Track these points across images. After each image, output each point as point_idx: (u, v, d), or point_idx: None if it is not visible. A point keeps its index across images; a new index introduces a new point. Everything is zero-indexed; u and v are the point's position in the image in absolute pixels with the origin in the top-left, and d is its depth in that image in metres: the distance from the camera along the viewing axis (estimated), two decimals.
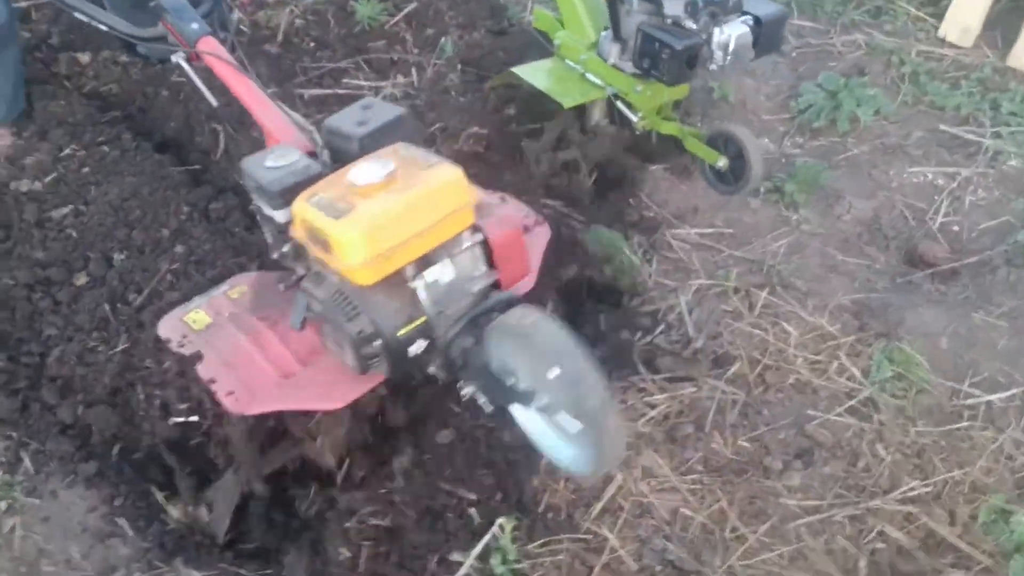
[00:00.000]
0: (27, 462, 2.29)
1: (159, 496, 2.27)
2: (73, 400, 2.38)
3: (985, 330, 2.80)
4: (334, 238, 1.88)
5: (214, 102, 2.48)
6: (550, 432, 2.11)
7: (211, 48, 2.44)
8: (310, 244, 2.00)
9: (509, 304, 2.05)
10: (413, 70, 3.64)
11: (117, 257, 2.71)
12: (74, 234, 2.77)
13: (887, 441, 2.48)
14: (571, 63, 3.18)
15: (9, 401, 2.39)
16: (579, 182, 3.16)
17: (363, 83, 3.56)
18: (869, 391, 2.59)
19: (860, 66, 3.81)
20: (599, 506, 2.28)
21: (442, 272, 2.05)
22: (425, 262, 2.01)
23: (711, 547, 2.23)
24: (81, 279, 2.66)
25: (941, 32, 3.95)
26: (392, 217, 1.90)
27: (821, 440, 2.48)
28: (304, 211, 1.95)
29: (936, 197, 3.26)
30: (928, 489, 2.36)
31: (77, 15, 2.55)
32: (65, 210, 2.84)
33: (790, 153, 3.46)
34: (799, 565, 2.21)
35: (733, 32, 2.76)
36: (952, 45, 3.91)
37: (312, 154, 2.18)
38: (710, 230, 3.13)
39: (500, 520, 2.13)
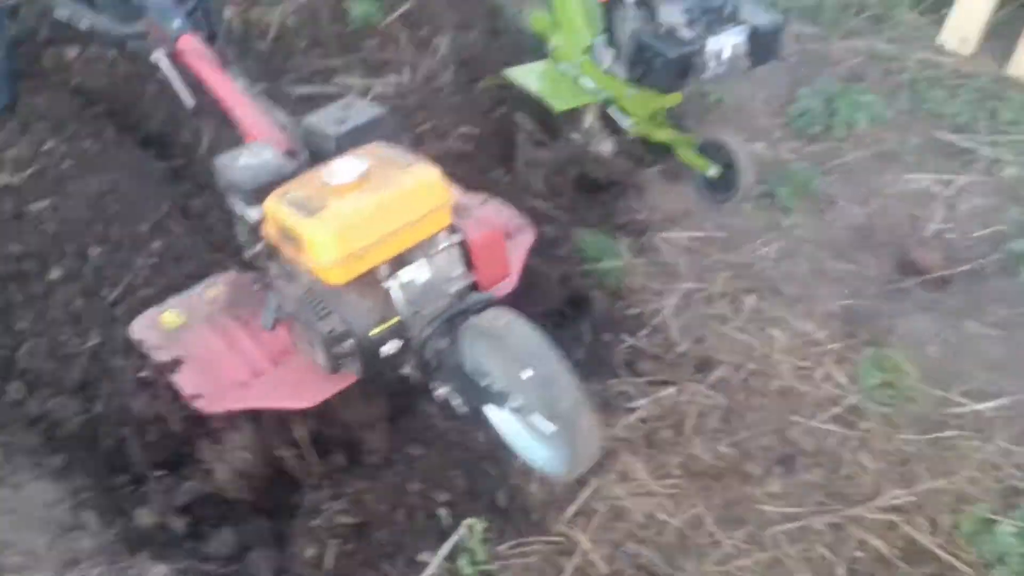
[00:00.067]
0: None
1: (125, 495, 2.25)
2: (42, 394, 2.36)
3: (976, 339, 2.75)
4: (306, 236, 1.87)
5: (190, 101, 2.48)
6: (524, 433, 2.11)
7: (191, 46, 2.44)
8: (282, 243, 1.99)
9: (486, 305, 2.04)
10: (405, 69, 3.62)
11: (93, 251, 2.69)
12: (51, 228, 2.75)
13: (871, 449, 2.43)
14: (565, 67, 3.16)
15: None
16: (565, 183, 3.14)
17: (354, 82, 3.55)
18: (855, 398, 2.54)
19: (859, 72, 3.77)
20: (572, 509, 2.24)
21: (417, 272, 2.04)
22: (400, 262, 2.00)
23: (685, 552, 2.19)
24: (56, 273, 2.65)
25: (941, 40, 3.91)
26: (364, 216, 1.89)
27: (804, 447, 2.44)
28: (276, 209, 1.94)
29: (930, 204, 3.22)
30: (911, 498, 2.31)
31: (57, 14, 2.55)
32: (43, 204, 2.83)
33: (785, 159, 3.42)
34: (775, 572, 2.17)
35: (728, 41, 2.73)
36: (952, 53, 3.86)
37: (291, 152, 2.17)
38: (700, 234, 3.10)
39: (469, 521, 2.09)
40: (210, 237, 2.75)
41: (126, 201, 2.80)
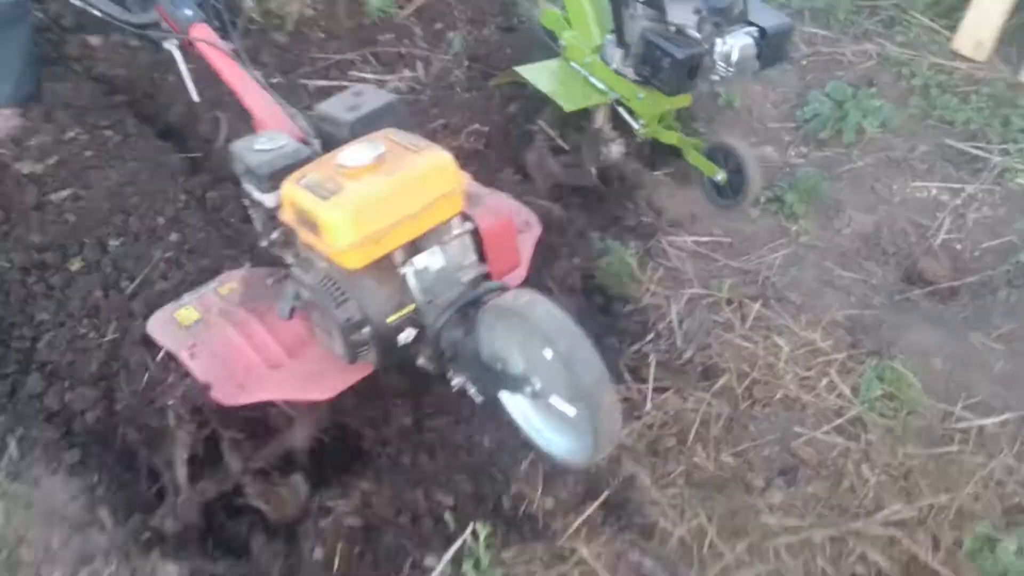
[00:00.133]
0: (12, 448, 2.30)
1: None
2: (60, 387, 2.38)
3: (982, 352, 2.76)
4: (322, 219, 1.87)
5: (195, 96, 2.47)
6: (544, 423, 2.06)
7: (203, 35, 2.43)
8: (299, 227, 1.99)
9: (499, 294, 2.03)
10: (419, 64, 3.62)
11: (112, 243, 2.71)
12: (72, 218, 2.77)
13: (873, 462, 2.45)
14: (576, 65, 3.15)
15: None
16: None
17: (369, 76, 3.55)
18: (858, 410, 2.56)
19: (870, 77, 3.77)
20: (576, 517, 2.27)
21: (431, 259, 2.04)
22: (414, 248, 2.01)
23: (687, 562, 2.21)
24: (76, 264, 2.66)
25: (954, 45, 3.90)
26: (380, 198, 1.89)
27: (806, 458, 2.46)
28: (293, 192, 1.94)
29: (939, 213, 3.22)
30: (913, 513, 2.33)
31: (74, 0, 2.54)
32: (64, 193, 2.83)
33: (793, 163, 3.43)
34: None
35: (736, 43, 2.71)
36: (965, 58, 3.85)
37: (303, 141, 2.17)
38: (707, 239, 3.11)
39: (474, 525, 2.12)
40: (226, 231, 2.75)
41: (145, 192, 2.80)
